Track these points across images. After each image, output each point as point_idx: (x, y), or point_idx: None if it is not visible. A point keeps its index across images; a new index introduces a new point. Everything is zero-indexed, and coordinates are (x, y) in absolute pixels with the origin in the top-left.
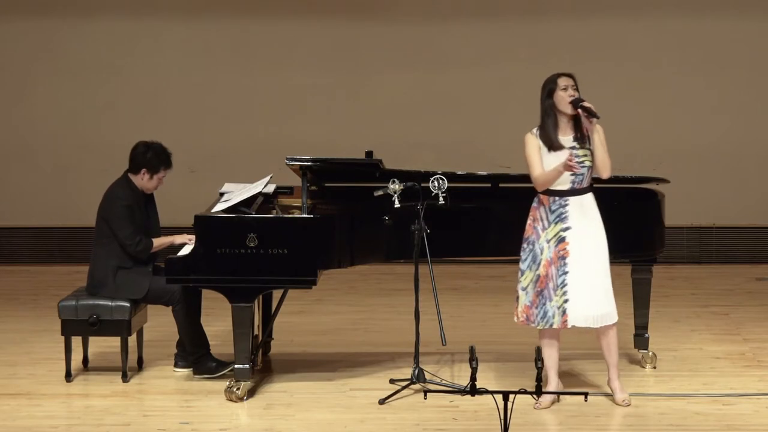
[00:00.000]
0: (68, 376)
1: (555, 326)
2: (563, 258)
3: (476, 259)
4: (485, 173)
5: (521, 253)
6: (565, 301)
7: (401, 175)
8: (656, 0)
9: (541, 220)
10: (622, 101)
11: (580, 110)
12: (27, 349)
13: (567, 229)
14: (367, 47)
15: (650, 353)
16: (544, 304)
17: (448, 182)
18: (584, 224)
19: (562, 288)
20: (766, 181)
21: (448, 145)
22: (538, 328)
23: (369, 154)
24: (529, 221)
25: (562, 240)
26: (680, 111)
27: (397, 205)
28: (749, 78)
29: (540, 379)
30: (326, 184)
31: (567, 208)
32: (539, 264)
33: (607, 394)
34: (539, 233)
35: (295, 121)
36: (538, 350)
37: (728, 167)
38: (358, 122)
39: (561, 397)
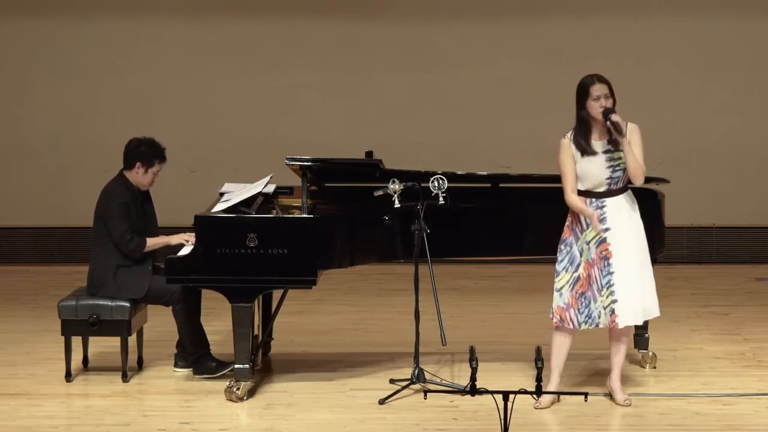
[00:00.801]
0: (68, 376)
1: (602, 326)
2: (606, 258)
3: (476, 259)
4: (485, 173)
5: (558, 255)
6: (613, 301)
7: (401, 175)
8: (656, 0)
9: (580, 222)
10: (622, 101)
11: (608, 123)
12: (27, 349)
13: (607, 230)
14: (367, 47)
15: (650, 353)
16: (588, 305)
17: (448, 182)
18: (623, 224)
19: (608, 288)
20: (766, 181)
21: (448, 145)
22: (582, 329)
23: (369, 154)
24: (567, 223)
25: (603, 240)
26: (680, 111)
27: (397, 205)
28: (749, 78)
29: (540, 379)
30: (326, 184)
31: (605, 209)
32: (578, 266)
33: (607, 394)
34: (578, 235)
35: (295, 121)
36: (538, 350)
37: (728, 167)
38: (358, 122)
39: (561, 397)
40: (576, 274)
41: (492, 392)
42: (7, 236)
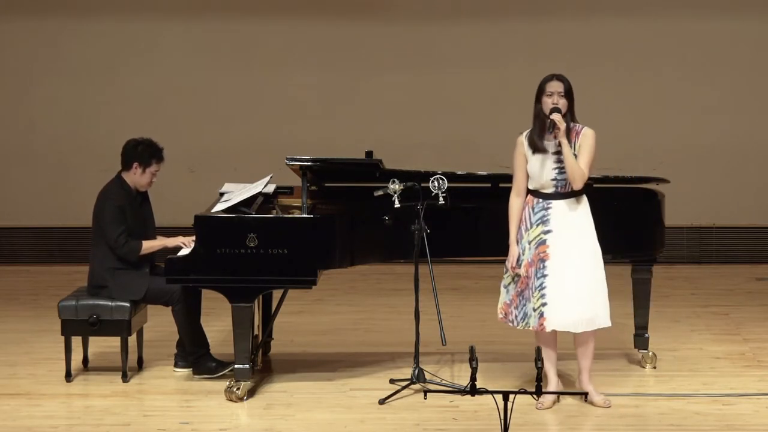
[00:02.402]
0: (68, 376)
1: (531, 328)
2: (543, 261)
3: (476, 259)
4: (485, 173)
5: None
6: (543, 304)
7: (401, 175)
8: (656, 0)
9: (525, 221)
10: (622, 101)
11: (548, 120)
12: (27, 349)
13: (548, 232)
14: (367, 47)
15: (650, 353)
16: (525, 304)
17: (448, 182)
18: (567, 228)
19: (539, 291)
20: (766, 181)
21: (448, 145)
22: (518, 328)
23: (369, 154)
24: None
25: (542, 243)
26: (680, 111)
27: (397, 205)
28: (749, 78)
29: (540, 379)
30: (326, 184)
31: (550, 211)
32: (521, 264)
33: (607, 395)
34: (522, 234)
35: (295, 121)
36: (538, 350)
37: (728, 167)
38: (357, 122)
39: (561, 396)
40: (518, 273)
41: (492, 392)
42: (7, 236)
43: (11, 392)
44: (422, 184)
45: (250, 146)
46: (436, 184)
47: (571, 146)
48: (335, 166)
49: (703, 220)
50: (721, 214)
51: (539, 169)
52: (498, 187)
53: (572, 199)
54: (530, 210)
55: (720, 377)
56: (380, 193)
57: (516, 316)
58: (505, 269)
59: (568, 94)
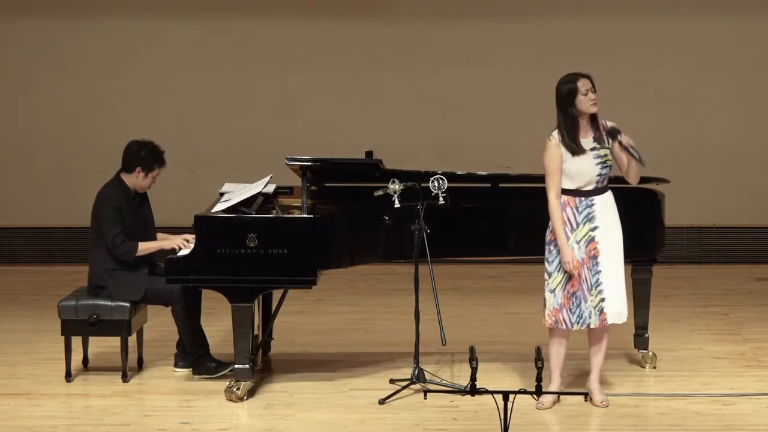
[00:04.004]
0: (68, 376)
1: (593, 326)
2: (595, 257)
3: (476, 259)
4: (485, 173)
5: (547, 256)
6: (602, 300)
7: (401, 175)
8: (657, 0)
9: (569, 221)
10: (622, 101)
11: (617, 144)
12: (27, 349)
13: (595, 228)
14: (367, 47)
15: (650, 353)
16: (579, 305)
17: (448, 182)
18: (609, 223)
19: (597, 287)
20: (766, 181)
21: (448, 145)
22: (573, 330)
23: (369, 154)
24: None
25: (592, 240)
26: (680, 111)
27: (397, 205)
28: (749, 78)
29: (540, 379)
30: (326, 184)
31: (594, 207)
32: (571, 266)
33: (609, 394)
34: (568, 234)
35: (295, 121)
36: (538, 350)
37: (728, 167)
38: (358, 122)
39: (561, 397)
40: (567, 274)
41: (492, 392)
42: (7, 236)
43: (11, 392)
44: (422, 184)
45: (250, 146)
46: (436, 184)
47: (604, 141)
48: (335, 166)
49: (703, 220)
50: (721, 214)
51: (584, 169)
52: (498, 187)
53: (608, 193)
54: (574, 210)
55: (720, 377)
56: (380, 193)
57: (570, 319)
58: (547, 273)
59: (594, 88)
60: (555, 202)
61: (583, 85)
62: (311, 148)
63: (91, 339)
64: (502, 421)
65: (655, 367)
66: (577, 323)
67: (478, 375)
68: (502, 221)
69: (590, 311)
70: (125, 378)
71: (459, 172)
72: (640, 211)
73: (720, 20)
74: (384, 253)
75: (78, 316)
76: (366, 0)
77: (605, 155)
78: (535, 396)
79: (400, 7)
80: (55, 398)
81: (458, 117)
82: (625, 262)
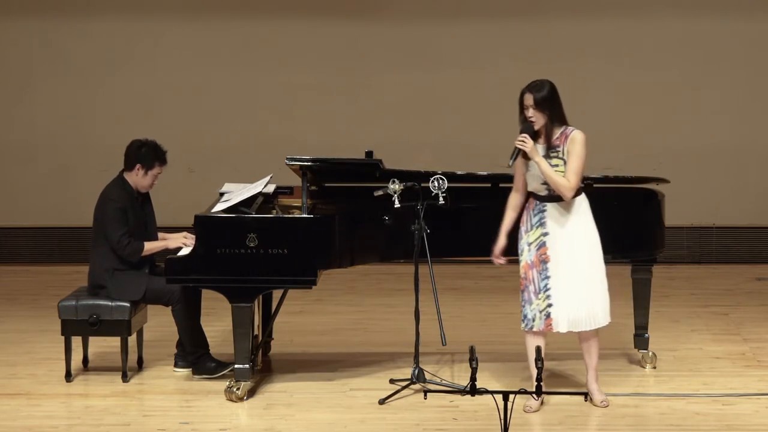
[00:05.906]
0: (68, 376)
1: (536, 329)
2: (545, 262)
3: (476, 259)
4: (485, 173)
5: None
6: (549, 305)
7: (401, 175)
8: (657, 0)
9: (525, 222)
10: (622, 101)
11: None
12: (27, 349)
13: (546, 234)
14: (367, 47)
15: (650, 353)
16: (524, 306)
17: (448, 182)
18: (563, 230)
19: (545, 292)
20: (766, 181)
21: (448, 145)
22: (523, 330)
23: (369, 154)
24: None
25: (542, 245)
26: (680, 111)
27: (397, 205)
28: (749, 78)
29: (540, 379)
30: (326, 184)
31: (545, 213)
32: (521, 266)
33: (609, 394)
34: (522, 235)
35: (295, 121)
36: (538, 350)
37: (728, 167)
38: (357, 122)
39: (560, 397)
40: (524, 273)
41: (492, 392)
42: (7, 236)
43: (11, 392)
44: (422, 184)
45: (250, 146)
46: (436, 184)
47: (560, 151)
48: (335, 166)
49: (703, 220)
50: (721, 214)
51: (533, 174)
52: (498, 187)
53: (572, 201)
54: (530, 212)
55: (720, 377)
56: (380, 193)
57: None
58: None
59: (544, 102)
60: (511, 194)
61: (524, 100)
62: (311, 148)
63: (91, 339)
64: (502, 421)
65: (655, 367)
66: (522, 322)
67: (478, 375)
68: (501, 221)
69: (535, 314)
70: (125, 378)
71: (459, 172)
72: (640, 211)
73: (720, 20)
74: (384, 253)
75: (78, 316)
76: (366, 0)
77: (555, 165)
78: (534, 396)
79: (400, 7)
80: (55, 398)
81: (458, 117)
82: (625, 262)
